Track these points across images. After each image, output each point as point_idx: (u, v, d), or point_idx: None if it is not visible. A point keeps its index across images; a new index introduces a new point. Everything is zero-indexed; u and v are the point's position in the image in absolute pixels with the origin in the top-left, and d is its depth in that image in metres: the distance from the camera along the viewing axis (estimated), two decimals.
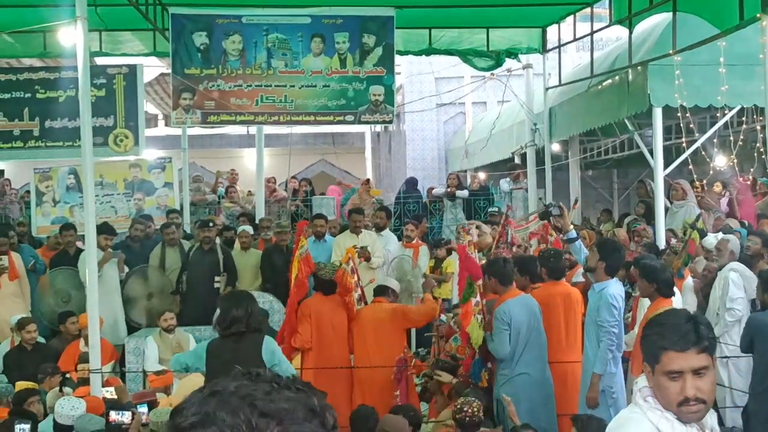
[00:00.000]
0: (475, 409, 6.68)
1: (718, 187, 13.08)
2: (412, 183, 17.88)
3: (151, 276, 11.89)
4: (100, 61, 14.52)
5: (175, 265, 12.01)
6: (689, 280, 9.24)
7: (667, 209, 11.57)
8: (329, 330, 8.95)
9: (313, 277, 9.33)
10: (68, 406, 7.06)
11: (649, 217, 12.70)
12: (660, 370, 2.95)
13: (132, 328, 11.59)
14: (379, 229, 12.22)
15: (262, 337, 6.59)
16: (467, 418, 6.63)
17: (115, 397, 7.77)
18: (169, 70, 13.24)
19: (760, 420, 7.37)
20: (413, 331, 11.64)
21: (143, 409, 7.18)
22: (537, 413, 7.56)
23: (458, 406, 6.73)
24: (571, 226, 8.18)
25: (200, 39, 12.37)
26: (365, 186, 16.13)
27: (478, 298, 7.99)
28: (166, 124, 25.83)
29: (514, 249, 10.07)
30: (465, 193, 16.55)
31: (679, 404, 2.94)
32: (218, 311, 6.54)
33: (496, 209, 14.93)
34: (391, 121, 13.53)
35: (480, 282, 8.03)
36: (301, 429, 1.28)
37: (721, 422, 8.49)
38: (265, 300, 11.14)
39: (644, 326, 3.16)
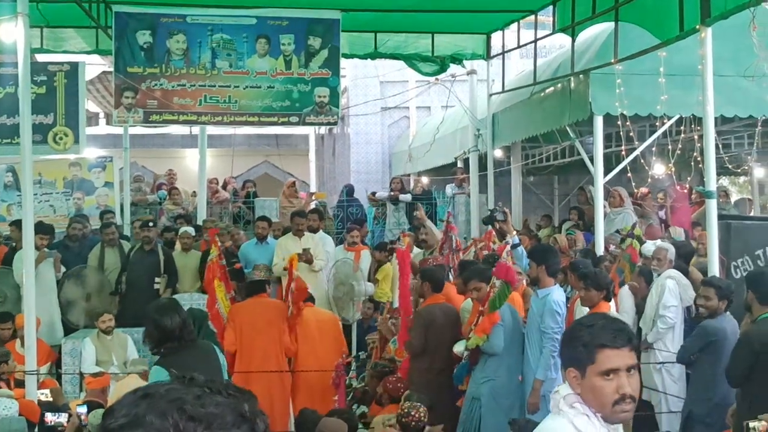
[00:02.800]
0: (422, 414, 6.71)
1: (661, 199, 13.29)
2: (349, 190, 17.89)
3: (90, 276, 11.73)
4: (41, 57, 14.30)
5: (114, 266, 11.88)
6: (626, 287, 9.39)
7: (606, 215, 11.72)
8: (257, 333, 8.88)
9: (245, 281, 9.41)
10: (0, 406, 6.96)
11: (583, 222, 12.89)
12: (595, 370, 2.94)
13: (69, 329, 11.43)
14: (312, 231, 12.18)
15: (212, 347, 6.30)
16: (413, 423, 6.66)
17: (51, 399, 7.67)
18: (112, 68, 13.09)
19: (707, 425, 7.47)
20: (354, 335, 11.66)
21: (82, 409, 7.09)
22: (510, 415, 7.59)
23: (405, 410, 6.74)
24: (514, 232, 8.28)
25: (143, 38, 12.25)
26: (290, 189, 15.94)
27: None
28: (108, 123, 25.60)
29: (460, 254, 10.10)
30: (408, 197, 16.60)
31: (614, 403, 2.93)
32: (146, 325, 5.98)
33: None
34: (336, 123, 13.53)
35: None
36: None
37: (656, 426, 8.63)
38: (205, 302, 11.07)
39: (569, 330, 3.17)
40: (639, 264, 9.72)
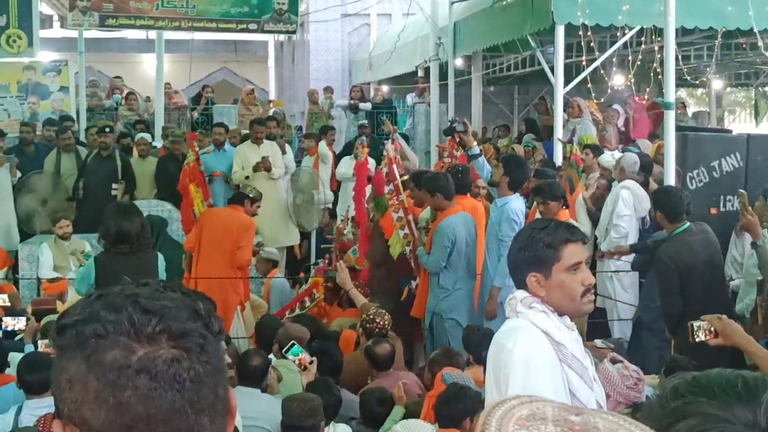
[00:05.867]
0: (386, 321, 6.81)
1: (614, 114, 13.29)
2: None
3: (46, 182, 11.61)
4: None
5: (71, 172, 11.75)
6: (580, 197, 9.49)
7: (564, 125, 11.75)
8: (212, 240, 8.71)
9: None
10: None
11: (536, 133, 12.96)
12: (561, 267, 3.09)
13: (26, 235, 11.35)
14: (271, 138, 12.05)
15: (156, 255, 6.38)
16: (377, 329, 6.75)
17: (8, 304, 7.66)
18: None
19: (653, 331, 7.66)
20: (313, 243, 11.72)
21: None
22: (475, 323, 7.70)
23: (371, 316, 6.82)
24: (474, 142, 8.28)
25: None
26: (249, 96, 15.71)
27: (401, 213, 8.03)
28: (62, 26, 24.96)
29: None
30: (368, 105, 16.51)
31: (582, 294, 3.11)
32: (105, 223, 6.15)
33: (365, 122, 14.81)
34: (294, 32, 13.37)
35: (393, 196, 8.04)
36: (183, 326, 1.30)
37: (609, 332, 8.83)
38: (164, 209, 11.05)
39: (523, 237, 3.26)
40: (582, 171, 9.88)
